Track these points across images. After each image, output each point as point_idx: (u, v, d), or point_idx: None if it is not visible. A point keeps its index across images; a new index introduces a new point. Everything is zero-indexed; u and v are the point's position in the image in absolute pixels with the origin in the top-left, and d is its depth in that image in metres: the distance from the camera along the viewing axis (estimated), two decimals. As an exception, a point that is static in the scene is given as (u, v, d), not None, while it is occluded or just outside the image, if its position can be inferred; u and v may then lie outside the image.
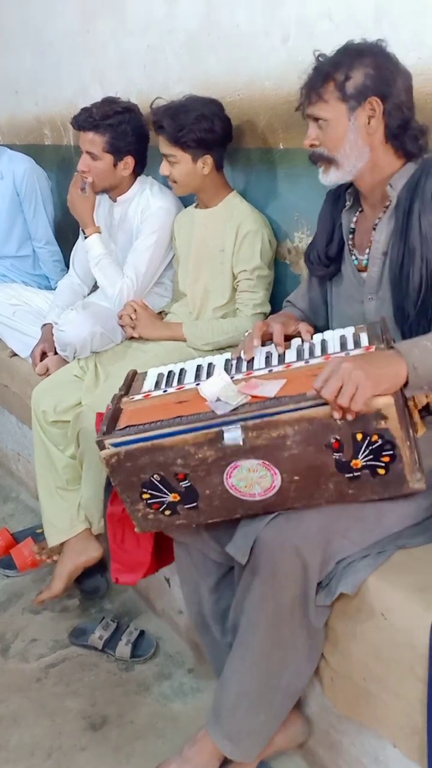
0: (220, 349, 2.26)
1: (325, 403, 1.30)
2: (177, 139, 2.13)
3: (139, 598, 2.33)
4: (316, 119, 1.55)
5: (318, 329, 1.85)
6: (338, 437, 1.32)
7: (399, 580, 1.40)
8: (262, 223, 2.22)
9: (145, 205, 2.46)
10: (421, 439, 1.42)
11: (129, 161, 2.42)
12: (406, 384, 1.32)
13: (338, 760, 1.60)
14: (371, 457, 1.33)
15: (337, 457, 1.34)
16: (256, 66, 2.17)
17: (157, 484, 1.44)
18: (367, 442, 1.32)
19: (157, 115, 2.15)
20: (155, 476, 1.43)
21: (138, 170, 2.49)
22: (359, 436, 1.31)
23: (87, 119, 2.35)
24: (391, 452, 1.32)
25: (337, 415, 1.29)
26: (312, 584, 1.43)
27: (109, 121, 2.35)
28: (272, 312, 2.25)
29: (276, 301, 2.28)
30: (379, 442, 1.31)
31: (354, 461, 1.34)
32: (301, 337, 1.61)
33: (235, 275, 2.24)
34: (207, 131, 2.13)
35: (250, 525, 1.46)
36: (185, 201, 2.49)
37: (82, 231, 2.48)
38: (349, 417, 1.29)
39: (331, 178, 1.60)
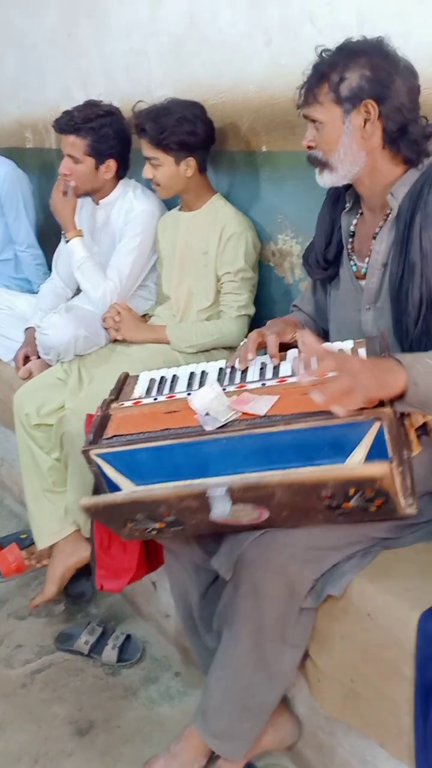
0: (204, 351, 2.26)
1: (316, 438, 1.26)
2: (159, 142, 2.13)
3: (125, 603, 2.32)
4: (313, 120, 1.51)
5: (324, 334, 1.82)
6: (329, 492, 1.27)
7: (385, 580, 1.40)
8: (246, 225, 2.23)
9: (129, 207, 2.46)
10: (415, 458, 1.38)
11: (111, 164, 2.42)
12: (401, 397, 1.27)
13: (326, 762, 1.60)
14: (363, 501, 1.29)
15: (328, 503, 1.31)
16: (239, 69, 2.17)
17: (141, 519, 1.42)
18: (359, 494, 1.27)
19: (139, 118, 2.15)
20: (139, 515, 1.41)
21: (121, 173, 2.49)
22: (351, 491, 1.27)
23: (68, 122, 2.34)
24: (384, 498, 1.28)
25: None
26: (298, 602, 1.42)
27: (90, 125, 2.35)
28: (256, 315, 2.26)
29: (260, 303, 2.29)
30: (372, 494, 1.27)
31: (345, 504, 1.30)
32: (297, 346, 1.55)
33: (219, 277, 2.24)
34: (189, 134, 2.14)
35: (235, 540, 1.44)
36: (169, 204, 2.49)
37: (64, 234, 2.47)
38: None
39: (325, 180, 1.56)
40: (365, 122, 1.46)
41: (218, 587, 1.60)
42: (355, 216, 1.64)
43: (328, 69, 1.46)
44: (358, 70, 1.44)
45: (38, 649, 2.16)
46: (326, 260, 1.68)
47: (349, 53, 1.46)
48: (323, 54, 1.50)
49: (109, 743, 1.83)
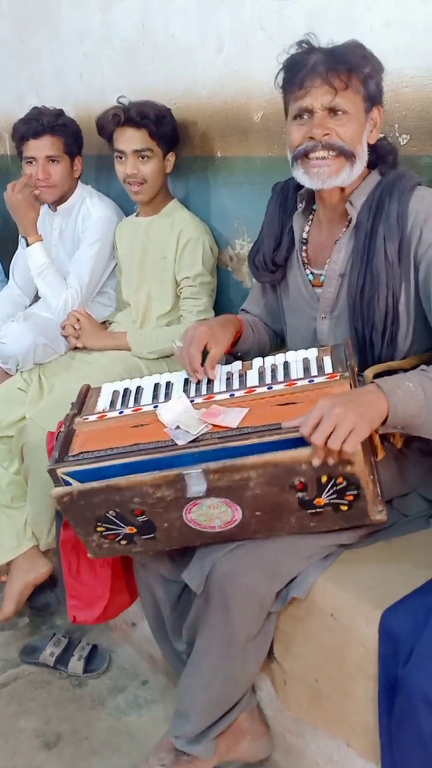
0: (166, 357, 2.26)
1: (288, 447, 1.25)
2: (158, 130, 2.12)
3: (91, 612, 2.30)
4: (332, 110, 1.39)
5: (277, 334, 1.82)
6: (302, 479, 1.28)
7: (346, 580, 1.41)
8: (203, 230, 2.23)
9: (86, 214, 2.45)
10: (379, 464, 1.38)
11: (78, 163, 2.45)
12: (383, 422, 1.27)
13: (294, 763, 1.60)
14: (335, 495, 1.30)
15: (301, 496, 1.30)
16: (192, 75, 2.18)
17: (113, 518, 1.38)
18: (331, 483, 1.28)
19: (135, 108, 2.11)
20: (110, 512, 1.37)
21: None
22: (324, 479, 1.28)
23: (41, 125, 2.34)
24: (356, 492, 1.29)
25: (317, 462, 1.21)
26: (265, 611, 1.43)
27: (60, 122, 2.37)
28: (216, 319, 2.26)
29: (219, 307, 2.29)
30: (344, 483, 1.28)
31: (317, 500, 1.31)
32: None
33: (178, 282, 2.25)
34: (176, 126, 2.19)
35: (206, 553, 1.42)
36: (125, 210, 2.49)
37: (24, 239, 2.42)
38: (331, 461, 1.22)
39: (341, 179, 1.43)
40: (373, 127, 1.45)
41: (188, 597, 1.59)
42: (307, 219, 1.61)
43: (359, 61, 1.39)
44: (379, 74, 1.42)
45: (3, 662, 2.13)
46: (274, 263, 1.65)
47: (371, 55, 1.42)
48: (307, 43, 1.43)
49: (78, 755, 1.81)
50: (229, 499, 1.32)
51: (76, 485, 1.36)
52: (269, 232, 1.67)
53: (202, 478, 1.29)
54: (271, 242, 1.65)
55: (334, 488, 1.28)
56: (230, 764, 1.67)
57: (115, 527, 1.40)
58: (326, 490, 1.29)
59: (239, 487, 1.30)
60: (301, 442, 1.26)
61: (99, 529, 1.41)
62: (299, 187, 1.59)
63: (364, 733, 1.36)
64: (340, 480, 1.27)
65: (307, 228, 1.61)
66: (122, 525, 1.40)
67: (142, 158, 2.16)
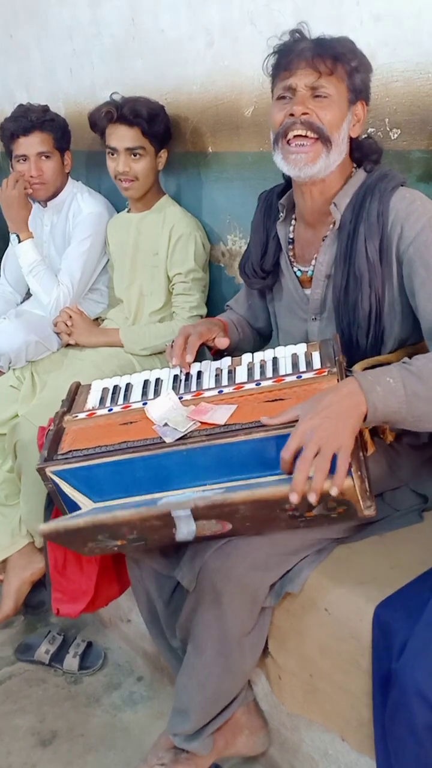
0: (158, 353, 2.26)
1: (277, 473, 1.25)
2: (150, 128, 2.11)
3: (85, 609, 2.30)
4: (314, 91, 1.41)
5: (260, 333, 1.84)
6: (293, 504, 1.24)
7: (340, 574, 1.42)
8: (195, 226, 2.23)
9: (77, 210, 2.45)
10: (369, 459, 1.38)
11: (68, 158, 2.45)
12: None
13: (290, 757, 1.61)
14: (326, 510, 1.28)
15: (291, 514, 1.29)
16: (182, 70, 2.18)
17: (103, 539, 1.37)
18: (322, 504, 1.25)
19: (128, 105, 2.10)
20: (100, 536, 1.36)
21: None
22: (315, 503, 1.25)
23: (30, 122, 2.33)
24: (346, 507, 1.27)
25: (295, 498, 1.17)
26: (259, 606, 1.43)
27: (48, 118, 2.36)
28: (208, 315, 2.26)
29: (212, 303, 2.29)
30: (335, 504, 1.26)
31: (308, 513, 1.29)
32: (208, 345, 1.59)
33: (170, 278, 2.24)
34: (168, 124, 2.18)
35: (197, 550, 1.42)
36: (116, 206, 2.48)
37: (16, 236, 2.41)
38: (313, 499, 1.17)
39: (317, 167, 1.43)
40: (356, 121, 1.46)
41: (181, 593, 1.59)
42: (290, 225, 1.62)
43: (347, 52, 1.41)
44: (366, 70, 1.45)
45: (-2, 661, 2.13)
46: (263, 269, 1.66)
47: (358, 49, 1.44)
48: (301, 29, 1.46)
49: (73, 753, 1.81)
50: (217, 519, 1.31)
51: (62, 523, 1.33)
52: (256, 240, 1.69)
53: (191, 519, 1.27)
54: (258, 250, 1.67)
55: (325, 506, 1.27)
56: (228, 759, 1.68)
57: (105, 543, 1.40)
58: (317, 508, 1.27)
59: (228, 513, 1.29)
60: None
61: (89, 545, 1.41)
62: (282, 195, 1.61)
63: (358, 727, 1.36)
64: (330, 501, 1.25)
65: (291, 229, 1.62)
66: (113, 540, 1.39)
67: (135, 156, 2.15)
